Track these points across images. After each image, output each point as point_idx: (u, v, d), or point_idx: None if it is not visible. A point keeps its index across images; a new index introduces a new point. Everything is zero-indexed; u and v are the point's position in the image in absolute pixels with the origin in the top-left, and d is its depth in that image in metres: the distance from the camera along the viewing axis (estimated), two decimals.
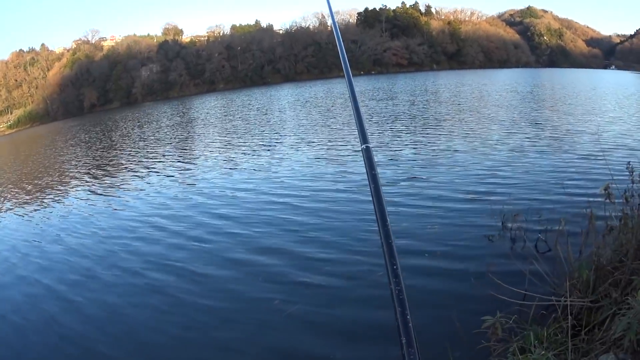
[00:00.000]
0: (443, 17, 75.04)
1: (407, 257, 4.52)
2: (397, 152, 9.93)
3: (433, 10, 75.25)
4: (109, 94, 68.65)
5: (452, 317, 3.18)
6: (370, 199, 1.03)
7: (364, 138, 1.17)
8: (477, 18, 77.29)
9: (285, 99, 33.52)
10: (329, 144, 12.11)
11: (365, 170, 1.08)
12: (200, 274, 4.93)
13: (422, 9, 74.23)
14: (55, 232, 7.56)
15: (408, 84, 37.85)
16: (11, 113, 78.54)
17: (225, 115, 26.62)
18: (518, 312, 2.83)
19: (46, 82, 74.32)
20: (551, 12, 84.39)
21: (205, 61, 66.33)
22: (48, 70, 76.39)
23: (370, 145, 1.14)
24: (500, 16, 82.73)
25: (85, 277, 5.37)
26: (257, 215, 6.69)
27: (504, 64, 72.85)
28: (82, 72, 70.57)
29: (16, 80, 79.77)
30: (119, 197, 9.52)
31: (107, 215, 8.14)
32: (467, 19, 76.38)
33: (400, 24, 71.52)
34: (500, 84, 31.23)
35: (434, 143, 10.63)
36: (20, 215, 9.41)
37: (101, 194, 10.08)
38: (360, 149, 1.15)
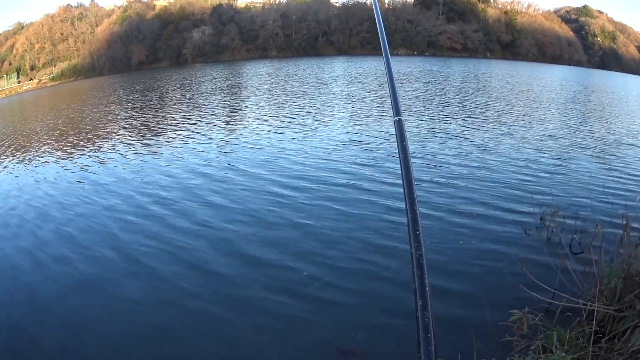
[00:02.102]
0: (500, 6, 73.86)
1: (438, 238, 4.65)
2: (444, 138, 9.91)
3: None
4: (158, 53, 68.20)
5: (481, 305, 3.20)
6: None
7: (397, 111, 1.20)
8: (534, 11, 75.92)
9: (340, 72, 32.91)
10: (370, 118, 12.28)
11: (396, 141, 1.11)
12: (228, 236, 5.07)
13: None
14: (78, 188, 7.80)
15: (461, 69, 37.26)
16: (55, 66, 78.41)
17: (273, 83, 26.35)
18: (544, 310, 2.85)
19: (94, 37, 74.03)
20: (606, 13, 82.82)
21: (259, 27, 65.71)
22: (96, 25, 76.12)
23: (403, 118, 1.16)
24: (556, 12, 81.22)
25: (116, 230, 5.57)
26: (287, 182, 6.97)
27: (556, 59, 71.56)
28: (132, 30, 70.19)
29: (62, 34, 79.64)
30: (156, 156, 9.75)
31: (138, 174, 8.31)
32: (523, 10, 75.06)
33: (457, 9, 70.43)
34: (553, 81, 30.65)
35: (481, 131, 10.70)
36: (28, 169, 9.81)
37: (142, 153, 10.25)
38: (392, 120, 1.18)
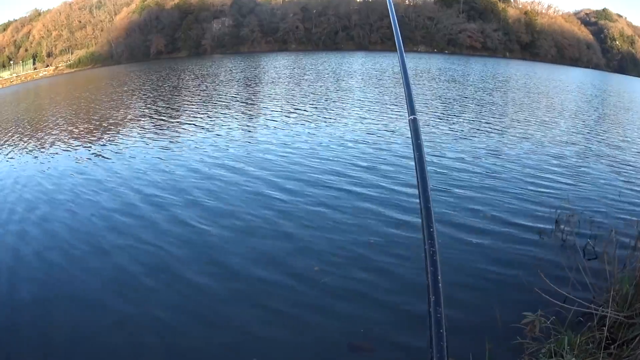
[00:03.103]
0: (520, 6, 73.52)
1: (452, 239, 4.62)
2: (459, 138, 9.89)
3: None
4: (177, 43, 68.21)
5: (493, 307, 3.25)
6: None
7: (411, 109, 1.21)
8: (554, 12, 75.53)
9: (359, 68, 32.58)
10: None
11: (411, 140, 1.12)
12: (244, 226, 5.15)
13: None
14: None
15: (479, 68, 37.19)
16: (72, 53, 78.39)
17: (292, 76, 26.29)
18: (556, 314, 2.81)
19: (112, 26, 74.07)
20: (625, 17, 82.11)
21: (279, 20, 65.59)
22: (115, 14, 76.12)
23: (417, 117, 1.18)
24: (576, 14, 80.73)
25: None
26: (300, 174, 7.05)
27: (575, 62, 71.25)
28: (151, 19, 70.20)
29: (80, 22, 79.64)
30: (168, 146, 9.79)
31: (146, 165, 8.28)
32: (543, 11, 74.71)
33: (477, 7, 70.16)
34: (572, 83, 30.41)
35: (497, 132, 10.66)
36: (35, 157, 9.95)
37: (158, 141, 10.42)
38: (407, 119, 1.19)
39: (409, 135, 1.11)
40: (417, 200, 0.94)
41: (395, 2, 77.61)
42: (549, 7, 75.36)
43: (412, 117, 1.17)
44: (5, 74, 76.46)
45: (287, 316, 3.53)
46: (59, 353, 3.27)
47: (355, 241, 4.72)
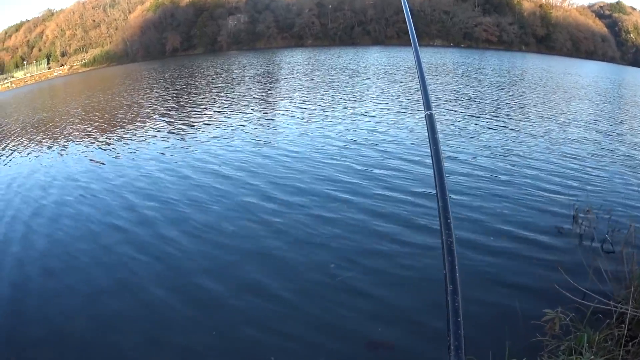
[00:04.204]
0: None
1: (471, 235, 4.57)
2: (475, 132, 9.82)
3: None
4: (192, 40, 68.39)
5: (513, 302, 3.25)
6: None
7: (427, 105, 1.21)
8: (568, 5, 75.19)
9: (374, 62, 32.54)
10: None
11: (427, 135, 1.14)
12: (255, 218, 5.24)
13: None
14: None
15: (496, 62, 36.80)
16: (86, 52, 78.68)
17: (307, 71, 26.25)
18: (575, 310, 2.79)
19: (126, 24, 74.29)
20: (639, 10, 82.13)
21: (295, 16, 65.66)
22: (129, 12, 76.33)
23: (434, 112, 1.18)
24: (590, 7, 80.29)
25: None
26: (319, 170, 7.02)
27: (590, 55, 70.92)
28: (165, 17, 70.42)
29: (94, 21, 79.95)
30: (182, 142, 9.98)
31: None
32: (558, 4, 74.45)
33: (492, 1, 69.95)
34: (588, 77, 29.97)
35: (515, 126, 10.57)
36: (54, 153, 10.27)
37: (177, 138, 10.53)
38: (423, 115, 1.20)
39: (425, 131, 1.15)
40: (434, 197, 0.97)
41: None
42: (564, 0, 75.12)
43: (428, 112, 1.19)
44: (19, 74, 76.75)
45: (305, 314, 3.53)
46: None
47: (371, 235, 4.72)
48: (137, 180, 7.37)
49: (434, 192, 0.99)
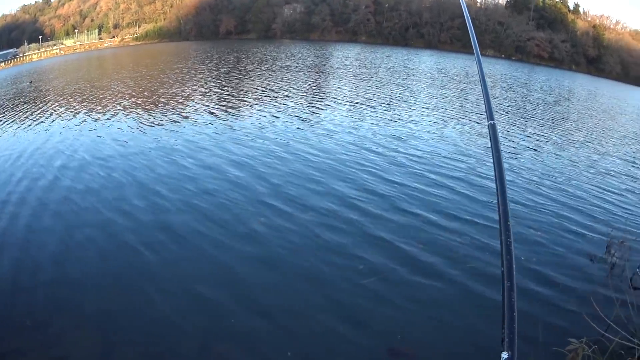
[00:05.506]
0: (589, 19, 72.82)
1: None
2: (517, 151, 9.72)
3: (581, 10, 73.19)
4: (247, 24, 69.21)
5: (537, 326, 3.20)
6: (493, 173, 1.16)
7: (490, 115, 1.24)
8: (622, 28, 74.58)
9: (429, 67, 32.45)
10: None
11: (490, 145, 1.17)
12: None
13: (571, 6, 72.31)
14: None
15: (544, 79, 36.09)
16: (139, 26, 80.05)
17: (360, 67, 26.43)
18: (597, 342, 2.76)
19: (182, 3, 75.39)
20: None
21: (351, 11, 66.20)
22: None
23: (495, 122, 1.21)
24: None
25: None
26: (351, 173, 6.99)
27: (639, 81, 70.36)
28: (222, 0, 71.28)
29: None
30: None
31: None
32: (611, 26, 73.90)
33: (547, 16, 69.62)
34: (637, 105, 29.26)
35: (556, 149, 10.43)
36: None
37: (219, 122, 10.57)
38: (486, 125, 1.22)
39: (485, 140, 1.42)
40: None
41: (468, 4, 77.98)
42: (617, 22, 74.27)
43: (490, 122, 1.24)
44: (69, 42, 78.09)
45: (326, 316, 3.50)
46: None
47: (407, 239, 4.77)
48: (155, 165, 7.30)
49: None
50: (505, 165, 7.14)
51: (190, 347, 3.15)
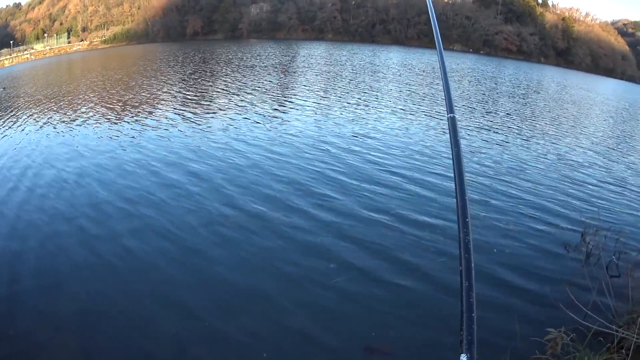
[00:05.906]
0: (558, 11, 72.85)
1: (477, 249, 4.33)
2: (487, 145, 9.71)
3: (550, 2, 73.21)
4: (213, 25, 68.66)
5: (514, 318, 3.21)
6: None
7: (450, 108, 1.23)
8: (591, 20, 74.70)
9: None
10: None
11: (449, 137, 1.16)
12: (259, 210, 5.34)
13: None
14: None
15: (512, 72, 36.30)
16: (107, 29, 79.09)
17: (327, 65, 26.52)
18: (576, 330, 2.76)
19: (149, 4, 74.57)
20: None
21: (318, 9, 65.79)
22: None
23: (456, 115, 1.20)
24: (613, 24, 79.84)
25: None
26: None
27: (609, 72, 70.41)
28: (189, 0, 70.55)
29: None
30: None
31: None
32: (581, 18, 73.99)
33: (515, 10, 69.60)
34: (605, 94, 29.43)
35: (525, 140, 10.54)
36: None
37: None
38: (446, 117, 1.21)
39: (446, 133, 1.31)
40: (451, 200, 1.08)
41: (437, 1, 77.22)
42: (587, 14, 74.51)
43: (450, 115, 1.22)
44: (39, 46, 77.04)
45: (303, 316, 3.52)
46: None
47: (376, 237, 4.76)
48: (123, 170, 7.27)
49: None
50: (475, 159, 8.27)
51: (166, 350, 3.23)
